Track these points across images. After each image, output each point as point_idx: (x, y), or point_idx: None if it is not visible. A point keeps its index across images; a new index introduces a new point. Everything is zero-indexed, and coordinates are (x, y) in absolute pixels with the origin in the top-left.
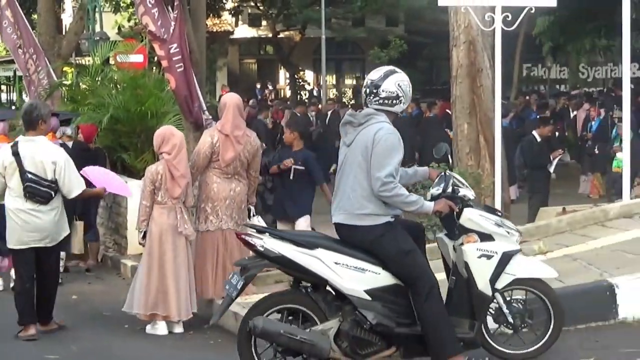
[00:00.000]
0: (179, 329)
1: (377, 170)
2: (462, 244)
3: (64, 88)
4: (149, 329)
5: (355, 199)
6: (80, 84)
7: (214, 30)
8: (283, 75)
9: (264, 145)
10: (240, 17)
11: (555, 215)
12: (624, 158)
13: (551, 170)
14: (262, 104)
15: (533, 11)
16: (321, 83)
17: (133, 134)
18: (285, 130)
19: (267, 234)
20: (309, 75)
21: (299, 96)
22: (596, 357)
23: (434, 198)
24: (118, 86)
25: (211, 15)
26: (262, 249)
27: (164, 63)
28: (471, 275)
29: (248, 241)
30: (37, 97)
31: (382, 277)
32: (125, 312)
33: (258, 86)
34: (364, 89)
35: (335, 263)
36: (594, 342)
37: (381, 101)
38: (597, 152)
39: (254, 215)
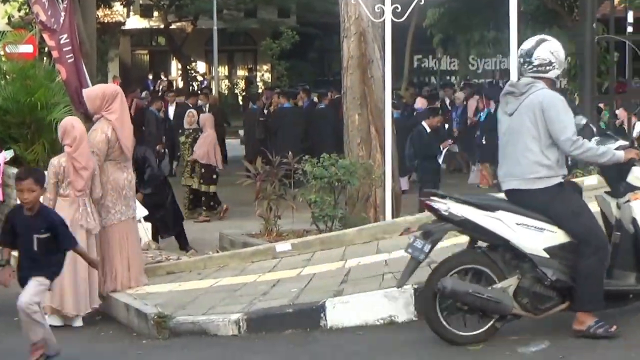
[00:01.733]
0: (78, 323)
1: (562, 133)
2: (628, 200)
3: None
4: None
5: (527, 164)
6: None
7: (105, 21)
8: (175, 67)
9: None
10: (131, 7)
11: None
12: None
13: (440, 160)
14: (154, 95)
15: (422, 3)
16: (213, 74)
17: (23, 125)
18: None
19: (448, 198)
20: (201, 66)
21: (191, 87)
22: (484, 345)
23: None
24: (7, 77)
25: (102, 5)
26: (446, 214)
27: (55, 54)
28: (638, 230)
29: (432, 206)
30: None
31: (558, 236)
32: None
33: (150, 77)
34: (518, 59)
35: (516, 224)
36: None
37: (535, 69)
38: (484, 142)
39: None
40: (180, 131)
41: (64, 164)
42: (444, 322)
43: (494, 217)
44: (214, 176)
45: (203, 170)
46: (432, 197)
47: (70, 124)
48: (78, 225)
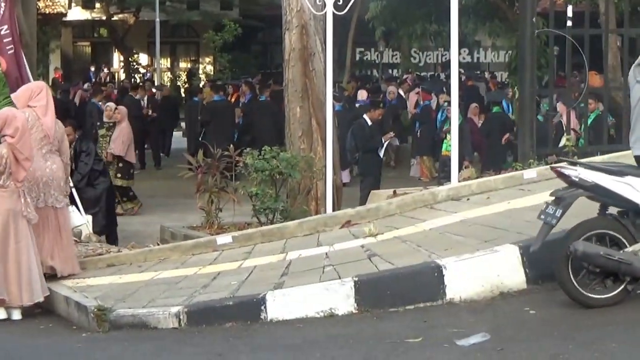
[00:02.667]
0: (17, 316)
1: None
2: None
3: None
4: None
5: None
6: None
7: (47, 12)
8: (117, 59)
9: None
10: None
11: (386, 198)
12: (452, 141)
13: (381, 153)
14: (95, 87)
15: None
16: (155, 66)
17: None
18: None
19: (579, 165)
20: (143, 58)
21: (133, 79)
22: (424, 337)
23: None
24: None
25: None
26: (577, 179)
27: None
28: None
29: (563, 172)
30: None
31: None
32: None
33: (92, 69)
34: None
35: None
36: (422, 322)
37: None
38: (419, 135)
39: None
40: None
41: (5, 155)
42: (577, 286)
43: (624, 182)
44: (132, 171)
45: (120, 164)
46: (562, 164)
47: (12, 114)
48: (21, 215)
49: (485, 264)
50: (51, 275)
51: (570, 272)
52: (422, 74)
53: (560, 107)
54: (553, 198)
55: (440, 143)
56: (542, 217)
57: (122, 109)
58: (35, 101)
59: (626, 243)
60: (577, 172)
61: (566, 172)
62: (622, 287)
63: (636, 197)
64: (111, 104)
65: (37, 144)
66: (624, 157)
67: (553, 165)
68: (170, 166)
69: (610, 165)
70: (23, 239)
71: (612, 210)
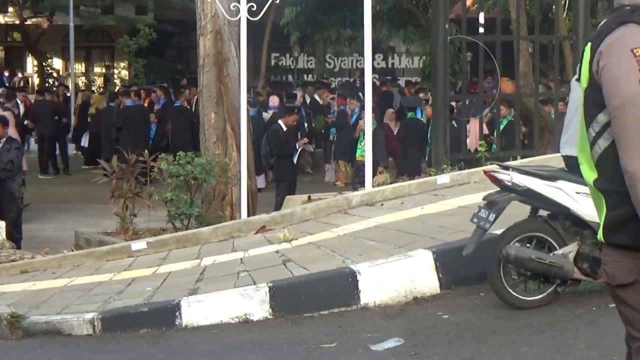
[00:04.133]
0: None
1: None
2: None
3: None
4: None
5: None
6: None
7: None
8: (31, 63)
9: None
10: None
11: (301, 203)
12: (366, 147)
13: (295, 160)
14: (9, 92)
15: (278, 1)
16: (69, 71)
17: None
18: None
19: (511, 169)
20: (57, 62)
21: (47, 84)
22: (338, 342)
23: None
24: None
25: None
26: (510, 184)
27: None
28: None
29: (496, 177)
30: None
31: None
32: None
33: (6, 74)
34: None
35: (576, 192)
36: (337, 327)
37: None
38: (334, 140)
39: None
40: None
41: None
42: (508, 288)
43: (555, 186)
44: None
45: None
46: (494, 168)
47: None
48: None
49: (399, 269)
50: None
51: (502, 275)
52: (331, 79)
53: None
54: (485, 202)
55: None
56: (475, 220)
57: (8, 114)
58: None
59: (556, 245)
60: (510, 177)
61: (499, 176)
62: (552, 288)
63: (567, 201)
64: None
65: None
66: (534, 162)
67: (486, 169)
68: (85, 172)
69: (543, 170)
70: None
71: (542, 212)
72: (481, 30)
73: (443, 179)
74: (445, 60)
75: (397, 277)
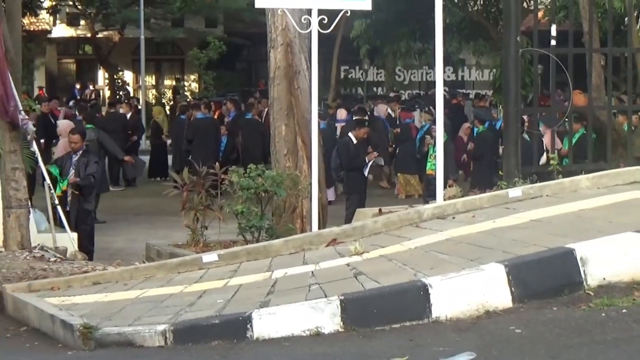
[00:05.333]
0: None
1: None
2: None
3: None
4: None
5: None
6: None
7: (31, 29)
8: (102, 76)
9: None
10: (58, 16)
11: (371, 216)
12: (437, 160)
13: (366, 172)
14: (80, 105)
15: (349, 14)
16: (140, 83)
17: None
18: None
19: None
20: (128, 75)
21: (118, 96)
22: (410, 356)
23: None
24: None
25: (28, 13)
26: None
27: None
28: None
29: None
30: None
31: None
32: None
33: (77, 86)
34: None
35: None
36: (408, 340)
37: None
38: (397, 153)
39: None
40: None
41: None
42: None
43: None
44: None
45: None
46: None
47: None
48: None
49: (471, 282)
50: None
51: None
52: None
53: (542, 126)
54: None
55: (424, 161)
56: None
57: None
58: None
59: None
60: None
61: None
62: None
63: None
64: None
65: None
66: (607, 176)
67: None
68: (156, 184)
69: None
70: None
71: None
72: (553, 42)
73: (515, 192)
74: (517, 73)
75: (469, 291)
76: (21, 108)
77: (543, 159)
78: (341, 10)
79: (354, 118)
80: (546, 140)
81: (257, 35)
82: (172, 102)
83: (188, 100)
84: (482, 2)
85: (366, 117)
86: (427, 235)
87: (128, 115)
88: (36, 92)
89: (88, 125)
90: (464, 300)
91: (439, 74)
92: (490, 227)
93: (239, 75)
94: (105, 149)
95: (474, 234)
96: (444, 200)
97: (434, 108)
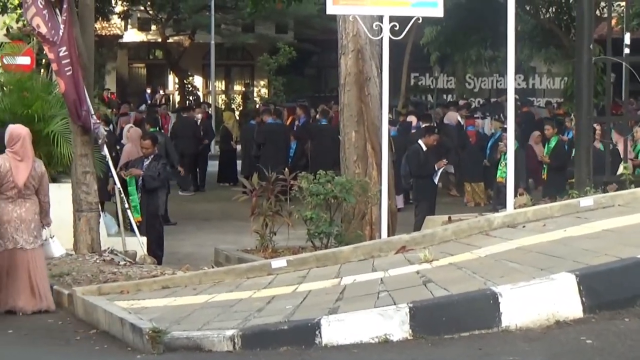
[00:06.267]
0: None
1: None
2: None
3: None
4: None
5: None
6: None
7: (103, 34)
8: (172, 80)
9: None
10: (129, 21)
11: (441, 223)
12: (508, 168)
13: (436, 180)
14: (151, 109)
15: (420, 21)
16: (210, 89)
17: None
18: None
19: None
20: (198, 80)
21: (187, 101)
22: None
23: None
24: (4, 88)
25: (100, 18)
26: None
27: (54, 66)
28: None
29: None
30: None
31: None
32: (8, 318)
33: (148, 91)
34: None
35: None
36: (477, 349)
37: None
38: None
39: (51, 237)
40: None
41: None
42: None
43: None
44: None
45: None
46: None
47: None
48: None
49: (541, 292)
50: (103, 295)
51: None
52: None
53: (615, 135)
54: None
55: (494, 169)
56: None
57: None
58: (11, 148)
59: None
60: None
61: None
62: None
63: None
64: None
65: (5, 189)
66: None
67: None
68: (226, 189)
69: None
70: None
71: None
72: (626, 50)
73: (586, 201)
74: (590, 81)
75: (539, 300)
76: (93, 112)
77: (621, 169)
78: (413, 17)
79: (421, 125)
80: (621, 148)
81: (327, 42)
82: (241, 108)
83: (258, 105)
84: (554, 10)
85: (432, 124)
86: (497, 243)
87: (199, 121)
88: (105, 95)
89: (152, 129)
90: (534, 310)
91: (511, 82)
92: (561, 236)
93: (309, 81)
94: (166, 153)
95: (544, 243)
96: (515, 208)
97: (503, 116)
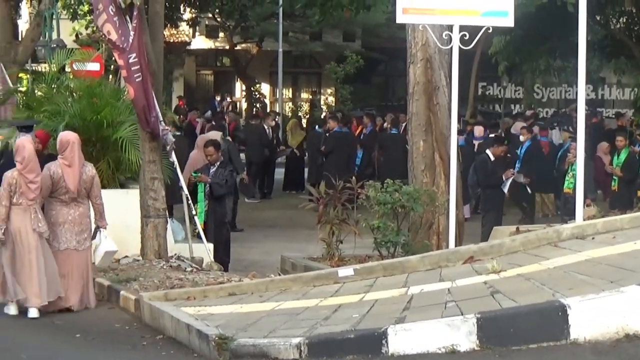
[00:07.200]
0: (32, 314)
1: None
2: None
3: (19, 95)
4: (5, 309)
5: None
6: (36, 91)
7: (171, 40)
8: (239, 88)
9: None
10: (197, 28)
11: (508, 234)
12: (577, 179)
13: (505, 190)
14: (218, 116)
15: (490, 31)
16: (277, 96)
17: (89, 143)
18: None
19: None
20: (265, 88)
21: (254, 109)
22: None
23: None
24: (74, 94)
25: (168, 25)
26: None
27: (124, 73)
28: None
29: None
30: None
31: None
32: (76, 322)
33: (217, 98)
34: None
35: None
36: None
37: None
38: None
39: (105, 237)
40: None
41: (16, 177)
42: None
43: None
44: None
45: None
46: None
47: (22, 144)
48: (31, 229)
49: (610, 304)
50: (170, 301)
51: None
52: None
53: None
54: None
55: (562, 179)
56: None
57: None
58: (62, 154)
59: None
60: None
61: None
62: None
63: None
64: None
65: (59, 193)
66: None
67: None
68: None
69: None
70: (33, 250)
71: None
72: None
73: None
74: None
75: (609, 313)
76: (161, 118)
77: None
78: (482, 26)
79: (489, 135)
80: None
81: (394, 51)
82: (308, 116)
83: (323, 115)
84: (625, 20)
85: (500, 133)
86: (566, 255)
87: (267, 128)
88: (175, 102)
89: (176, 133)
90: (603, 323)
91: (582, 92)
92: (631, 249)
93: (376, 90)
94: (230, 160)
95: (614, 255)
96: (584, 220)
97: (571, 126)
